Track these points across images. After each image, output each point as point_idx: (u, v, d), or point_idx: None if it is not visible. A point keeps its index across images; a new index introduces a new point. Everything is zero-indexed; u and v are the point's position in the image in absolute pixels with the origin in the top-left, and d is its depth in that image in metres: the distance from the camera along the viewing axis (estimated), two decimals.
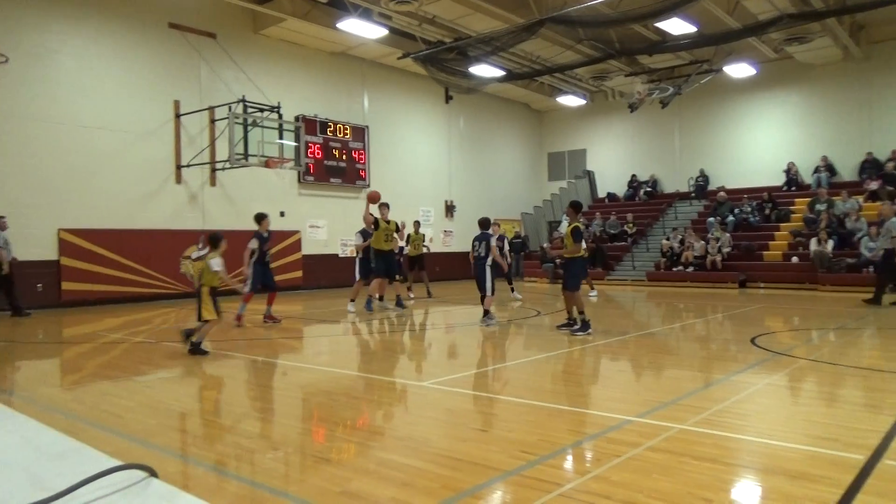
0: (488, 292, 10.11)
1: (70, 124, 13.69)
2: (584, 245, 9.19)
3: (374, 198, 12.06)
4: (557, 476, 3.49)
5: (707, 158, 22.81)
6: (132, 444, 4.16)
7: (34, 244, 13.05)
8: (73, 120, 13.74)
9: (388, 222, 12.10)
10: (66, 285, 13.41)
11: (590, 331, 8.78)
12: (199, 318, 7.83)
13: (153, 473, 1.01)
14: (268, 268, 10.81)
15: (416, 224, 15.87)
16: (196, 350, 7.61)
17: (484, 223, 10.48)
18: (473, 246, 10.30)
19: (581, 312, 8.93)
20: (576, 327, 8.94)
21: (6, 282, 12.01)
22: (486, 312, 10.13)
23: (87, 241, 13.62)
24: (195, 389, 6.11)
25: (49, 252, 13.24)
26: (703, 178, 22.56)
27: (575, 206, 9.30)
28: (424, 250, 15.61)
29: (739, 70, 20.11)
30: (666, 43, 17.44)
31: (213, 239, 8.16)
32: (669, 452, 3.75)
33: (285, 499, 3.21)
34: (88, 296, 13.62)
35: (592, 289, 15.57)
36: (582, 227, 9.18)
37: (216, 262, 7.89)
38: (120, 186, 14.39)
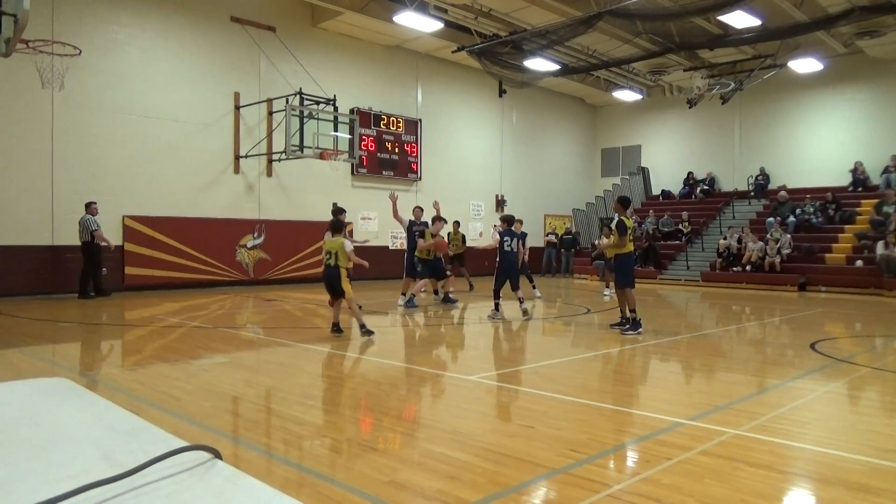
0: (517, 285, 10.68)
1: (136, 115, 14.20)
2: (630, 240, 8.92)
3: (441, 246, 12.50)
4: (606, 476, 3.46)
5: (768, 156, 22.07)
6: (189, 425, 4.31)
7: (102, 230, 13.58)
8: (139, 110, 14.25)
9: (434, 236, 12.22)
10: (129, 270, 13.95)
11: (640, 330, 8.61)
12: (338, 296, 8.30)
13: (218, 455, 1.04)
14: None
15: (456, 224, 15.79)
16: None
17: (509, 219, 10.89)
18: (504, 241, 10.55)
19: (632, 311, 8.74)
20: (626, 327, 8.77)
21: (92, 263, 12.78)
22: (522, 300, 10.82)
23: (149, 228, 14.13)
24: (248, 374, 6.28)
25: (114, 238, 13.76)
26: (764, 177, 21.84)
27: (622, 201, 9.14)
28: (474, 244, 15.52)
29: (805, 65, 19.34)
30: (728, 37, 16.93)
31: (337, 224, 8.64)
32: (722, 457, 3.66)
33: (333, 485, 3.27)
34: (149, 280, 14.13)
35: (608, 287, 14.33)
36: (629, 221, 8.96)
37: (348, 244, 8.30)
38: (181, 175, 14.86)
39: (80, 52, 11.34)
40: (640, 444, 3.99)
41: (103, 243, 12.86)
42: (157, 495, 0.91)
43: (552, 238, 23.19)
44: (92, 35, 13.40)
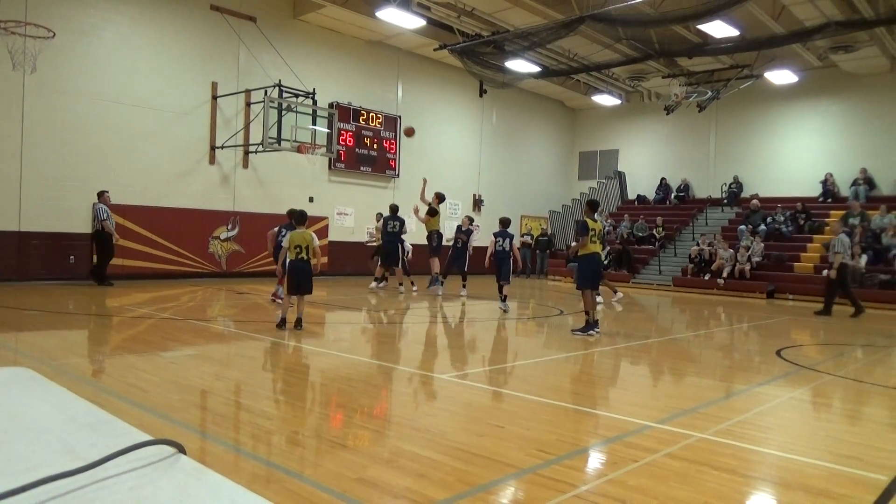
0: (509, 281, 11.88)
1: (110, 101, 13.94)
2: (592, 241, 8.77)
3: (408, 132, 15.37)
4: (573, 477, 3.49)
5: (742, 165, 22.44)
6: (156, 418, 4.25)
7: (69, 217, 13.34)
8: (114, 96, 13.99)
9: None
10: (97, 258, 13.69)
11: (591, 332, 8.53)
12: (306, 292, 8.54)
13: (182, 450, 1.03)
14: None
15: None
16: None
17: (506, 222, 12.29)
18: (497, 241, 11.95)
19: (586, 312, 8.73)
20: (581, 327, 8.75)
21: (102, 251, 13.11)
22: (505, 298, 11.80)
23: (120, 217, 13.86)
24: (218, 368, 6.21)
25: (83, 225, 13.52)
26: (737, 185, 22.20)
27: (591, 204, 9.17)
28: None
29: (781, 77, 19.71)
30: (707, 46, 17.17)
31: (303, 215, 8.90)
32: (688, 461, 3.71)
33: (301, 481, 3.25)
34: (119, 270, 13.89)
35: (616, 292, 14.33)
36: (592, 223, 8.80)
37: (317, 239, 8.79)
38: (155, 164, 14.63)
39: (54, 34, 11.11)
40: (608, 445, 4.04)
41: (109, 232, 13.03)
42: (119, 489, 0.90)
43: (527, 239, 23.31)
44: (66, 18, 13.12)
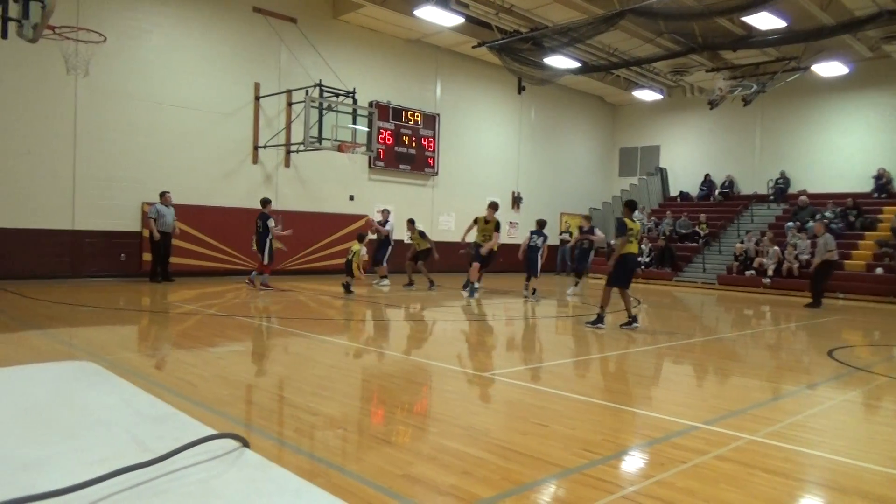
0: (537, 274, 13.16)
1: (157, 102, 14.31)
2: (630, 241, 8.98)
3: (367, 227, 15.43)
4: (619, 477, 3.45)
5: (789, 160, 21.84)
6: (205, 411, 4.35)
7: (120, 215, 13.75)
8: (161, 98, 14.35)
9: (487, 222, 13.17)
10: (146, 256, 14.06)
11: (600, 326, 9.02)
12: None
13: (246, 444, 1.05)
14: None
15: (411, 222, 15.66)
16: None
17: (542, 223, 13.56)
18: (532, 238, 13.19)
19: (601, 307, 9.15)
20: (591, 319, 9.23)
21: (159, 249, 13.60)
22: (533, 290, 13.31)
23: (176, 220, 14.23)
24: (264, 364, 6.32)
25: (133, 224, 13.91)
26: (784, 181, 21.62)
27: (628, 205, 9.32)
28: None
29: (830, 69, 19.09)
30: (752, 38, 16.74)
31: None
32: (738, 463, 3.63)
33: (346, 476, 3.28)
34: (167, 267, 14.24)
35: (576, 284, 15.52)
36: (631, 223, 8.95)
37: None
38: (200, 164, 14.96)
39: (105, 38, 11.43)
40: (655, 446, 3.97)
41: (151, 232, 13.47)
42: (188, 482, 0.92)
43: (566, 237, 23.11)
44: (116, 22, 13.50)
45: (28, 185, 12.70)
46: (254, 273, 13.12)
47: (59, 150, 13.05)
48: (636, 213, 22.76)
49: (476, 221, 13.24)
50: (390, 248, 14.77)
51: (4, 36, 8.54)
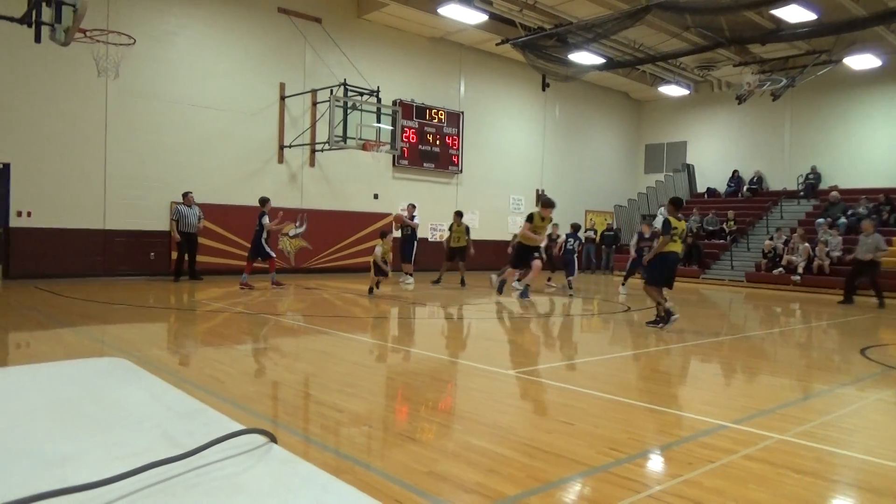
0: (574, 273, 14.27)
1: (185, 103, 14.53)
2: (674, 240, 8.78)
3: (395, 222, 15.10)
4: (646, 476, 3.42)
5: (820, 155, 21.42)
6: (233, 407, 4.40)
7: (149, 215, 13.99)
8: (188, 99, 14.57)
9: (543, 219, 12.33)
10: (175, 255, 14.29)
11: (661, 326, 8.77)
12: None
13: (273, 439, 1.06)
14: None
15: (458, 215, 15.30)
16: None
17: (577, 226, 15.10)
18: (568, 241, 14.44)
19: (658, 304, 8.95)
20: (658, 322, 8.93)
21: (182, 249, 13.72)
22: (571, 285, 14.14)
23: (203, 219, 14.44)
24: (289, 361, 6.38)
25: (162, 223, 14.15)
26: (815, 176, 21.21)
27: (674, 202, 9.11)
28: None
29: (862, 61, 18.69)
30: (781, 31, 16.44)
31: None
32: (768, 463, 3.58)
33: (372, 472, 3.30)
34: (195, 265, 14.45)
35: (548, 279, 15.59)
36: (676, 221, 8.79)
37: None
38: (227, 164, 15.16)
39: (135, 41, 11.63)
40: (682, 445, 3.93)
41: (174, 232, 13.65)
42: (218, 475, 0.93)
43: (591, 234, 22.95)
44: (144, 25, 13.73)
45: (62, 185, 13.00)
46: (272, 275, 13.15)
47: (90, 152, 13.33)
48: (661, 209, 22.62)
49: (531, 219, 12.10)
50: (416, 243, 14.70)
51: (38, 40, 8.74)
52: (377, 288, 12.36)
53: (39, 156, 12.76)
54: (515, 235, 13.33)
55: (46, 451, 0.99)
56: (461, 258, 14.74)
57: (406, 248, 14.58)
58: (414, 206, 15.09)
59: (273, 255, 13.01)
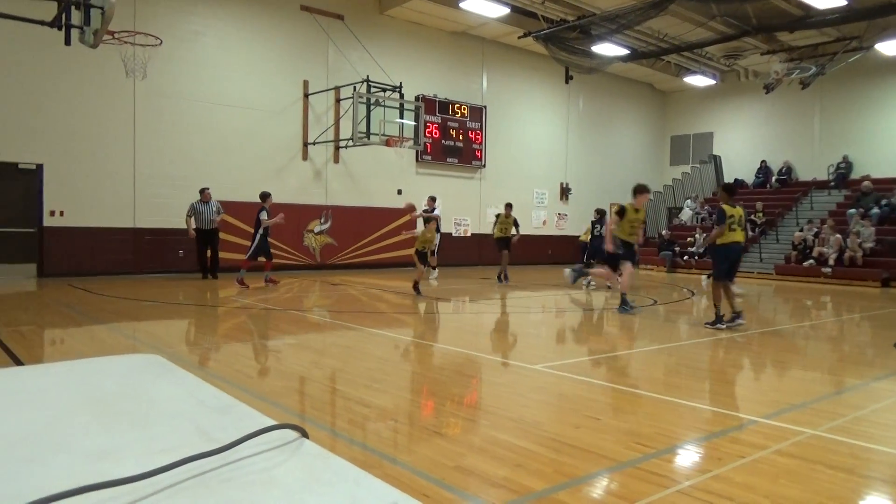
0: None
1: (211, 102, 14.71)
2: (730, 229, 8.27)
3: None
4: (675, 472, 3.39)
5: (851, 144, 20.96)
6: (262, 402, 4.46)
7: (177, 213, 14.17)
8: (214, 98, 14.75)
9: (637, 211, 11.36)
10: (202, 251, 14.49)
11: (720, 326, 8.24)
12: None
13: (305, 434, 1.07)
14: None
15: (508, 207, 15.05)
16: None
17: (602, 212, 14.20)
18: (595, 227, 13.77)
19: (715, 305, 8.39)
20: (711, 320, 8.41)
21: (198, 246, 13.54)
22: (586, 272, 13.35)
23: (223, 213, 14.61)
24: (316, 356, 6.44)
25: (202, 222, 14.32)
26: (846, 166, 20.76)
27: (727, 189, 8.70)
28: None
29: (894, 47, 18.21)
30: (810, 18, 16.10)
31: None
32: (800, 458, 3.52)
33: (399, 467, 3.33)
34: (222, 263, 14.63)
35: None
36: (731, 209, 8.33)
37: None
38: (253, 162, 15.32)
39: (162, 42, 11.79)
40: (711, 440, 3.89)
41: (189, 229, 13.50)
42: (251, 470, 0.95)
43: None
44: (170, 25, 13.92)
45: (93, 185, 13.26)
46: (266, 273, 12.80)
47: (120, 152, 13.57)
48: (688, 201, 22.34)
49: (622, 213, 10.10)
50: (439, 236, 14.62)
51: (68, 42, 8.90)
52: (423, 280, 11.57)
53: (71, 156, 13.03)
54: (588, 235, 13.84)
55: (85, 445, 1.01)
56: (506, 248, 14.34)
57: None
58: (434, 199, 15.06)
59: (262, 254, 12.49)
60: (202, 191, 13.62)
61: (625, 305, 9.73)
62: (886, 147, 20.22)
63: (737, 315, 8.37)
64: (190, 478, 0.91)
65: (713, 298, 8.50)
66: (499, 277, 14.33)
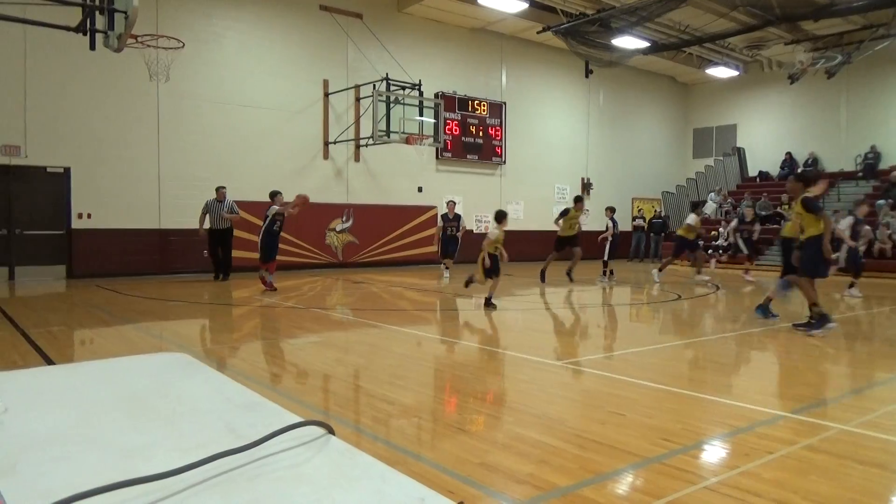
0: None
1: (232, 103, 14.85)
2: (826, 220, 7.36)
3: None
4: (702, 468, 3.35)
5: (879, 134, 20.53)
6: (287, 400, 4.50)
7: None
8: (236, 100, 14.89)
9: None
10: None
11: (829, 326, 7.28)
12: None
13: (331, 431, 1.08)
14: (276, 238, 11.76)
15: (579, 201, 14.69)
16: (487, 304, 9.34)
17: (612, 209, 14.66)
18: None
19: (813, 304, 7.39)
20: (810, 325, 7.39)
21: (216, 244, 13.15)
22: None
23: (246, 213, 14.74)
24: (340, 354, 6.48)
25: (215, 221, 14.48)
26: (874, 156, 20.35)
27: (801, 178, 7.70)
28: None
29: None
30: (835, 6, 15.79)
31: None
32: (829, 454, 3.47)
33: (424, 464, 3.33)
34: (246, 262, 14.78)
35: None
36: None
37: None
38: (275, 162, 15.44)
39: (184, 45, 11.92)
40: (738, 436, 3.84)
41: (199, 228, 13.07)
42: (279, 466, 0.96)
43: (640, 223, 22.55)
44: (192, 28, 14.07)
45: (119, 187, 13.48)
46: (261, 272, 11.88)
47: (145, 154, 13.77)
48: (711, 194, 22.04)
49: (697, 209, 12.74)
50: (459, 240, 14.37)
51: (92, 47, 9.04)
52: (473, 282, 10.13)
53: (97, 159, 13.25)
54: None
55: (116, 442, 1.03)
56: (573, 245, 13.71)
57: (451, 245, 14.04)
58: (454, 203, 14.54)
59: (269, 256, 11.61)
60: (218, 189, 13.35)
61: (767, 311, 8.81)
62: None
63: (818, 321, 7.38)
64: (219, 474, 0.92)
65: (808, 298, 7.49)
66: (568, 274, 13.98)
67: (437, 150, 17.95)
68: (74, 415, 1.17)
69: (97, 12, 8.73)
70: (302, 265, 15.76)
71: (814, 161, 21.91)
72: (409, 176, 17.81)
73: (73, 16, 9.68)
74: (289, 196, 15.41)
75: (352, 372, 5.68)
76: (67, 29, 8.96)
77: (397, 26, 17.41)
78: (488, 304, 9.32)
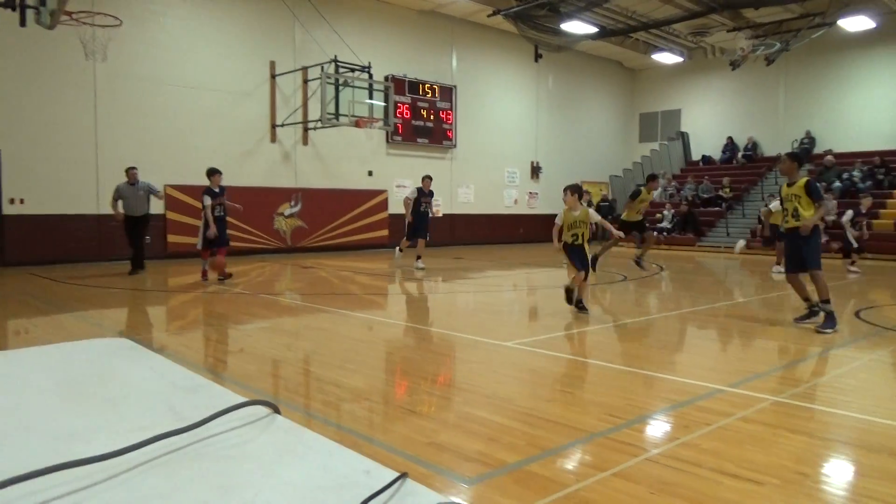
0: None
1: (175, 85, 14.38)
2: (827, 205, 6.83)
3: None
4: (644, 441, 3.48)
5: (814, 119, 21.36)
6: (235, 386, 4.45)
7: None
8: (178, 81, 14.42)
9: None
10: (171, 238, 14.29)
11: (837, 328, 6.53)
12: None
13: (276, 410, 1.09)
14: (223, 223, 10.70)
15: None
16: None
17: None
18: None
19: (826, 301, 6.63)
20: (823, 322, 6.60)
21: (129, 232, 11.55)
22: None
23: (189, 197, 14.37)
24: (289, 339, 6.43)
25: (156, 206, 14.02)
26: (809, 141, 21.17)
27: (795, 157, 7.06)
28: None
29: (856, 23, 18.54)
30: None
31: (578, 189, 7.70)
32: (763, 424, 3.64)
33: (374, 445, 3.36)
34: (191, 248, 14.42)
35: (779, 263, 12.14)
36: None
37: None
38: (219, 145, 15.05)
39: (122, 22, 11.47)
40: (679, 409, 3.99)
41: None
42: (223, 446, 0.96)
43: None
44: (131, 6, 13.53)
45: (54, 172, 12.92)
46: (206, 264, 10.91)
47: (81, 137, 13.23)
48: (661, 180, 22.56)
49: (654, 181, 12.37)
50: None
51: (23, 24, 8.63)
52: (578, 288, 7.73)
53: (30, 142, 12.67)
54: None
55: (55, 427, 1.01)
56: (639, 230, 12.34)
57: (424, 222, 12.83)
58: (430, 179, 13.21)
59: (207, 244, 10.48)
60: (128, 170, 11.39)
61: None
62: (848, 122, 20.64)
63: (831, 319, 6.62)
64: (162, 455, 0.92)
65: (821, 293, 6.71)
66: (638, 262, 12.09)
67: (387, 133, 17.82)
68: (12, 400, 1.14)
69: None
70: (249, 251, 15.48)
71: (753, 146, 22.66)
72: (360, 159, 17.65)
73: None
74: (231, 180, 15.11)
75: (302, 357, 5.65)
76: None
77: (346, 7, 17.13)
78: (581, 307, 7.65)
